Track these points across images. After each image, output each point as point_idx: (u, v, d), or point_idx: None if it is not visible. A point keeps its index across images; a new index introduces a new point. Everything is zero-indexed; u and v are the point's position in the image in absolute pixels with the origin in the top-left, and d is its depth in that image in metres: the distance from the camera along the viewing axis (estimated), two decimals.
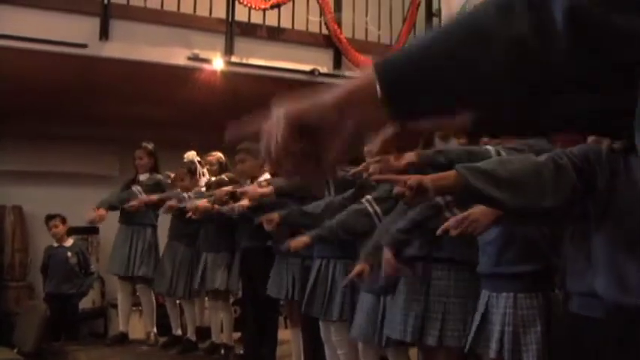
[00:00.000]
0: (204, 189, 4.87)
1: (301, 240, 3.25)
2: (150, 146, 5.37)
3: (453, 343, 2.52)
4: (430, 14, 6.91)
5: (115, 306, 5.76)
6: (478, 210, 2.00)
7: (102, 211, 5.11)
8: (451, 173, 1.69)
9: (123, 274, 5.27)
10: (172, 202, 4.83)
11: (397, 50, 0.72)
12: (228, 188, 4.20)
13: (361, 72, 0.74)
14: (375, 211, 3.03)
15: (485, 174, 1.63)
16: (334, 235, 3.15)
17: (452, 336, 2.54)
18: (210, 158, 5.14)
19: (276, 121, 0.74)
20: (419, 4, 6.72)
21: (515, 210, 1.74)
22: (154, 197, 5.03)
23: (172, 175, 5.20)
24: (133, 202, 5.05)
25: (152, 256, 5.26)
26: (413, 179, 1.74)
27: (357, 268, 2.80)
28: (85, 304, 6.00)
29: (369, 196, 3.05)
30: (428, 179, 1.74)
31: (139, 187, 5.23)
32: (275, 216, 3.48)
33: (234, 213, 4.05)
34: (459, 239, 2.28)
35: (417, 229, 2.59)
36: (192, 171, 5.02)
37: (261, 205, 3.82)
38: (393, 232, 2.64)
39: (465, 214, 2.04)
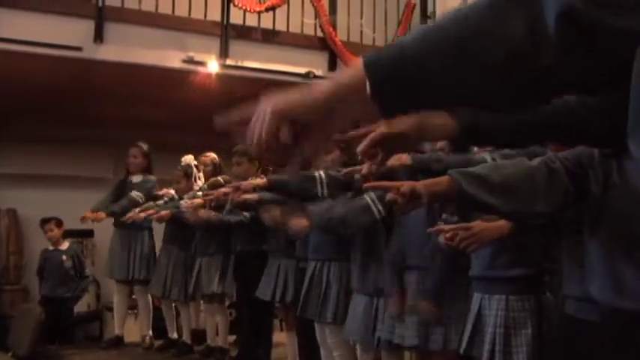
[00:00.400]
0: (199, 193, 4.87)
1: (301, 223, 3.19)
2: (145, 147, 5.37)
3: (454, 346, 2.53)
4: (425, 16, 6.92)
5: (110, 309, 5.75)
6: (484, 225, 2.00)
7: (101, 214, 5.11)
8: (444, 179, 1.68)
9: (123, 279, 5.27)
10: (164, 213, 4.84)
11: (387, 46, 0.72)
12: (225, 189, 4.18)
13: (351, 66, 0.73)
14: (379, 210, 3.02)
15: (478, 179, 1.62)
16: (332, 228, 3.11)
17: (455, 340, 2.55)
18: (204, 159, 5.15)
19: (263, 114, 0.75)
20: (414, 7, 6.73)
21: (508, 215, 1.74)
22: (151, 211, 5.01)
23: (164, 192, 5.22)
24: (130, 215, 5.03)
25: (151, 260, 5.25)
26: (406, 186, 1.73)
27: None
28: (80, 307, 5.99)
29: (372, 194, 3.04)
30: (421, 185, 1.74)
31: (138, 194, 5.19)
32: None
33: (232, 206, 4.00)
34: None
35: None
36: (188, 174, 5.03)
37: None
38: (428, 290, 2.66)
39: (467, 225, 2.04)
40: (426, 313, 2.61)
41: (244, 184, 3.56)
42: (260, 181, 3.46)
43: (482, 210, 1.82)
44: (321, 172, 3.27)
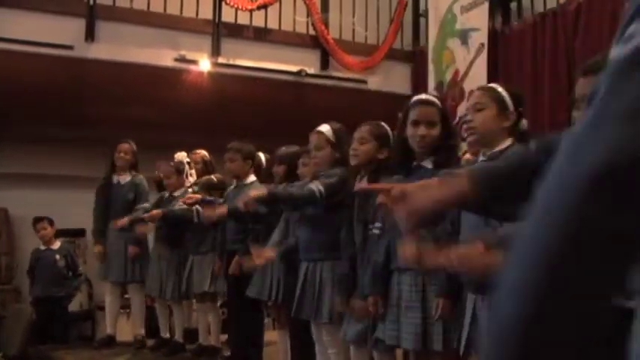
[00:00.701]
0: (190, 190, 4.85)
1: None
2: (134, 145, 5.34)
3: (454, 345, 2.52)
4: (417, 15, 6.94)
5: (102, 308, 5.71)
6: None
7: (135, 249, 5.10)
8: (435, 180, 1.66)
9: (123, 281, 5.24)
10: (155, 213, 4.82)
11: None
12: (222, 209, 4.06)
13: None
14: (319, 189, 3.16)
15: None
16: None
17: (453, 339, 2.54)
18: (194, 156, 5.11)
19: None
20: (406, 5, 6.75)
21: (499, 215, 1.75)
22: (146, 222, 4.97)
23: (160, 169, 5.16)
24: (119, 221, 5.03)
25: (146, 260, 5.22)
26: (397, 188, 1.73)
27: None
28: (72, 306, 5.94)
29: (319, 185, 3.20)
30: (413, 187, 1.74)
31: (145, 206, 5.14)
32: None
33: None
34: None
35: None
36: (180, 170, 5.01)
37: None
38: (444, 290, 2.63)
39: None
40: (445, 313, 2.57)
41: (246, 200, 3.43)
42: (262, 192, 3.39)
43: (477, 212, 1.83)
44: (320, 186, 3.21)
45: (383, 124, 3.11)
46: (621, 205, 0.52)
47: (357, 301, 2.96)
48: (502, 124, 2.36)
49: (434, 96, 2.90)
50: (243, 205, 3.36)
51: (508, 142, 2.35)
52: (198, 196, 4.51)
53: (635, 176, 0.51)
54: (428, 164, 2.65)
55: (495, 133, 2.36)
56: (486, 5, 5.75)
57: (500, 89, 2.44)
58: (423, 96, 2.75)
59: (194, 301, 5.20)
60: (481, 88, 2.55)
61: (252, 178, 4.40)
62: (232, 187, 4.49)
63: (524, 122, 2.41)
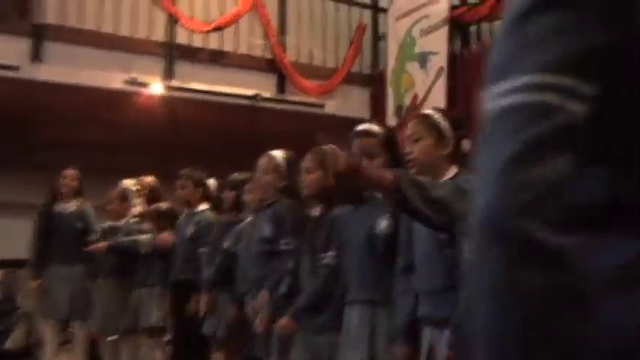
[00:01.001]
0: (132, 220, 4.64)
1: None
2: (78, 171, 5.11)
3: None
4: (376, 38, 6.89)
5: (42, 345, 5.40)
6: None
7: None
8: (390, 175, 1.82)
9: (67, 319, 4.97)
10: (101, 245, 4.60)
11: None
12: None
13: None
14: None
15: (420, 187, 1.79)
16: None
17: None
18: (141, 182, 4.89)
19: None
20: (365, 29, 6.69)
21: (437, 227, 1.95)
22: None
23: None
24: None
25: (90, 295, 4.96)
26: (353, 159, 1.93)
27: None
28: (9, 343, 5.61)
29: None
30: (367, 167, 1.99)
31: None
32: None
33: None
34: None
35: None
36: (124, 198, 4.79)
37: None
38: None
39: None
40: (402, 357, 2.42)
41: (257, 308, 3.26)
42: (267, 298, 3.23)
43: (413, 216, 1.95)
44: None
45: (328, 147, 3.01)
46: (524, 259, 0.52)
47: (285, 318, 2.92)
48: (441, 151, 2.27)
49: (395, 121, 2.82)
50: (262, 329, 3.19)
51: (453, 170, 2.26)
52: (172, 239, 4.32)
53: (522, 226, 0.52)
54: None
55: (436, 162, 2.28)
56: (445, 29, 5.72)
57: (435, 116, 2.33)
58: (362, 127, 2.61)
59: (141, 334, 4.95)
60: (416, 117, 2.48)
61: (203, 206, 4.33)
62: (184, 215, 4.40)
63: (464, 144, 2.31)
